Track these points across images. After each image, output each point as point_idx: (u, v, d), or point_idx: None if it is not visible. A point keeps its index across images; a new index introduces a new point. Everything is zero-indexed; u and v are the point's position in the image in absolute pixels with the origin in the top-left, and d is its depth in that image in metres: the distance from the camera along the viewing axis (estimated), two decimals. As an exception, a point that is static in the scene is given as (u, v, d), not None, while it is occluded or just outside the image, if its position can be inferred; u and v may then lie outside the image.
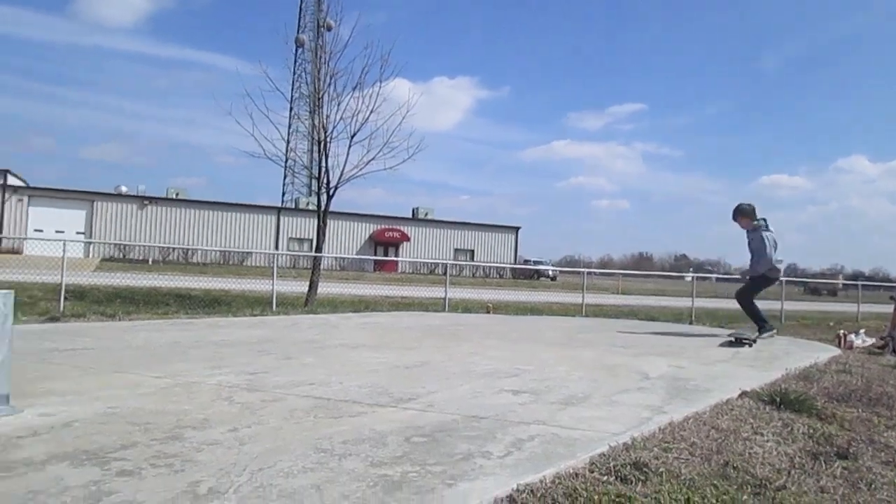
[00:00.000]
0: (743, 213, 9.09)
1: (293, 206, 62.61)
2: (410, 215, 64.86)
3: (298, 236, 57.19)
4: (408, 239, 61.41)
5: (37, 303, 12.98)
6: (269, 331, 7.76)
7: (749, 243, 9.16)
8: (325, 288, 18.60)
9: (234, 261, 50.56)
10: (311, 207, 61.18)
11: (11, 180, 48.75)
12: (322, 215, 17.55)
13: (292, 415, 3.43)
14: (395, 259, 53.95)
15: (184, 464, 2.57)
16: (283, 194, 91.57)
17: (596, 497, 2.50)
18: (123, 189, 56.10)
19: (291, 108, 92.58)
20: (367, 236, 59.72)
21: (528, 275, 60.91)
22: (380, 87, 17.04)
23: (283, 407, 3.60)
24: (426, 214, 64.33)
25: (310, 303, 16.43)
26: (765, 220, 9.18)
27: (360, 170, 17.03)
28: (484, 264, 54.70)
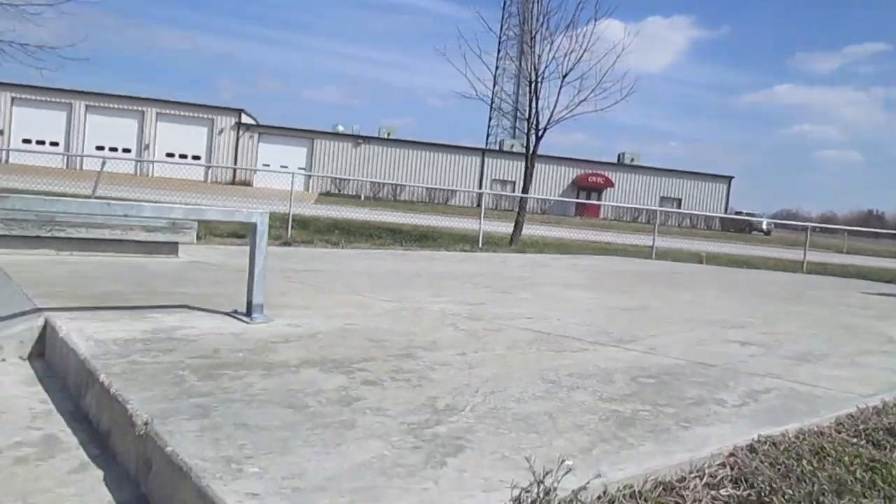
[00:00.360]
0: None
1: (497, 149, 63.16)
2: (615, 160, 63.06)
3: (501, 178, 57.78)
4: (612, 185, 59.94)
5: (269, 229, 14.24)
6: (481, 265, 7.96)
7: None
8: (528, 230, 18.72)
9: (438, 199, 52.23)
10: (514, 150, 61.40)
11: (245, 119, 53.46)
12: (530, 157, 17.58)
13: (515, 344, 3.49)
14: (598, 203, 52.93)
15: (420, 380, 2.69)
16: (488, 136, 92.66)
17: (847, 459, 2.31)
18: (340, 128, 59.63)
19: (499, 51, 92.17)
20: (570, 181, 59.03)
21: (739, 227, 57.33)
22: (594, 25, 16.53)
23: (505, 337, 3.67)
24: (632, 160, 62.28)
25: (514, 242, 16.66)
26: None
27: (571, 111, 16.79)
28: (692, 213, 52.14)
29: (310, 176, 48.87)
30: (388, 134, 59.13)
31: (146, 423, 2.03)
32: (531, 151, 17.10)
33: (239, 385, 2.44)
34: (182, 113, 50.82)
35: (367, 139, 55.69)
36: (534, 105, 16.93)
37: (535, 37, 16.75)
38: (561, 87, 16.80)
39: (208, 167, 47.40)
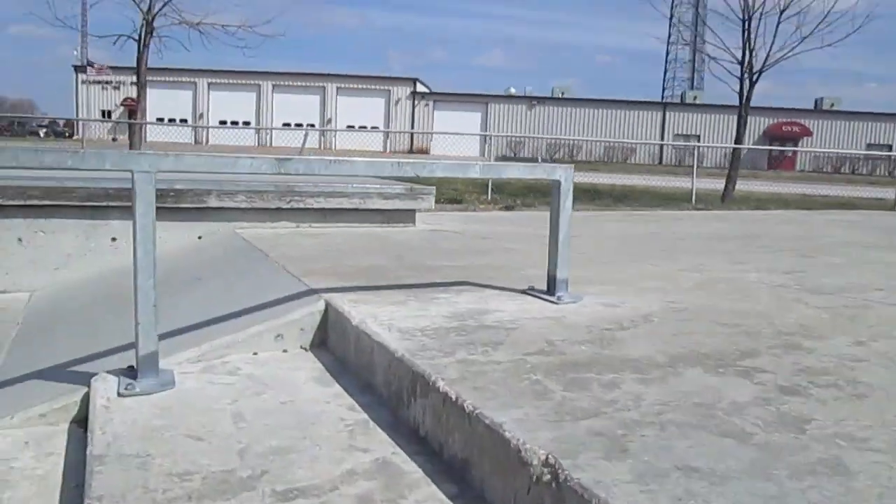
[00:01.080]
0: None
1: (679, 101, 59.70)
2: (812, 107, 57.52)
3: (685, 132, 54.55)
4: (809, 133, 54.77)
5: (470, 194, 13.88)
6: (732, 225, 6.92)
7: None
8: (717, 185, 17.06)
9: (617, 157, 50.17)
10: (697, 101, 57.64)
11: (419, 88, 54.04)
12: (744, 104, 15.91)
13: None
14: (797, 150, 48.51)
15: (850, 384, 1.89)
16: (664, 90, 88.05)
17: None
18: (513, 91, 58.77)
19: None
20: (762, 132, 54.57)
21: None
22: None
23: (879, 316, 2.77)
24: (832, 105, 56.48)
25: (727, 198, 15.20)
26: None
27: (793, 49, 14.92)
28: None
29: (486, 138, 48.66)
30: (563, 93, 57.53)
31: (549, 464, 1.38)
32: (745, 98, 15.36)
33: (621, 396, 1.77)
34: (360, 86, 52.27)
35: (541, 100, 54.53)
36: (747, 46, 15.16)
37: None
38: (779, 24, 14.94)
39: (386, 134, 48.42)
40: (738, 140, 16.08)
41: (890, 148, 55.26)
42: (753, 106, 49.89)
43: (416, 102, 52.57)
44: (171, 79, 46.71)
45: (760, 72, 15.16)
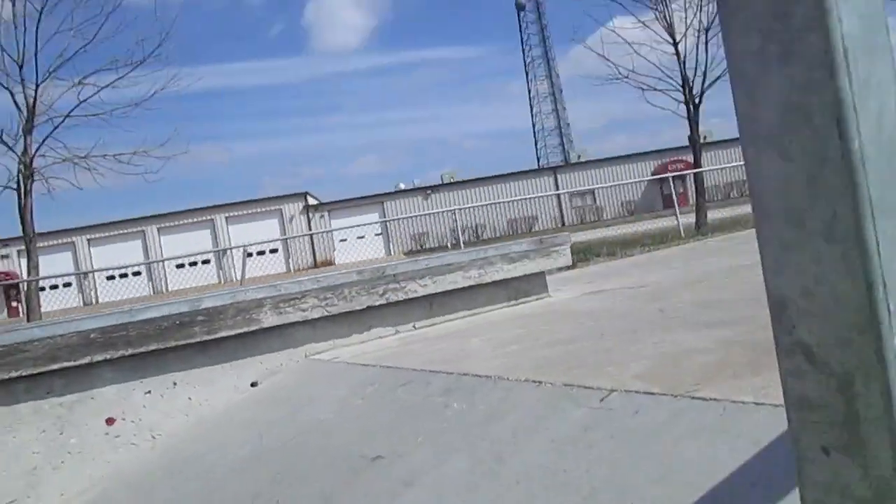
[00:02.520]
0: None
1: (564, 162, 60.80)
2: (688, 143, 59.82)
3: (580, 189, 55.15)
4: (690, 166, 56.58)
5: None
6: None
7: None
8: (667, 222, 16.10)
9: (522, 228, 49.93)
10: (582, 160, 58.90)
11: (310, 201, 52.44)
12: (694, 128, 15.10)
13: None
14: (686, 186, 49.63)
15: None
16: (539, 159, 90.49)
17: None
18: (402, 185, 58.19)
19: (527, 74, 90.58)
20: (651, 173, 55.99)
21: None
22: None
23: None
24: (705, 138, 58.98)
25: (700, 228, 14.08)
26: None
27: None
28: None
29: (387, 237, 47.20)
30: (452, 178, 57.39)
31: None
32: (693, 122, 14.51)
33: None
34: (249, 211, 50.12)
35: (435, 188, 53.98)
36: (683, 69, 14.42)
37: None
38: (707, 42, 14.33)
39: (287, 252, 46.18)
40: (697, 163, 15.18)
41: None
42: (637, 153, 50.70)
43: (310, 216, 50.78)
44: (47, 243, 43.01)
45: (702, 93, 14.42)
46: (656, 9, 14.42)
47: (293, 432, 2.09)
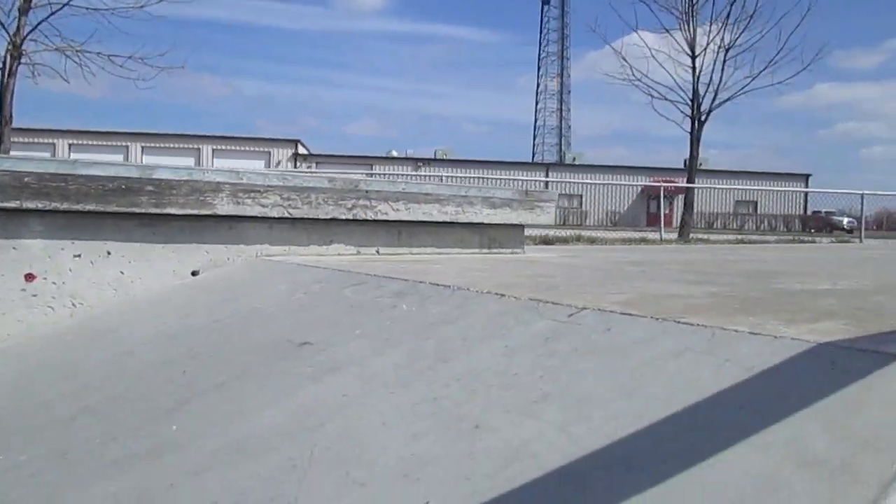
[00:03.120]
0: None
1: (559, 162, 60.69)
2: (683, 166, 59.96)
3: (568, 192, 55.08)
4: (683, 191, 56.70)
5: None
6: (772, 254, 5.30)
7: None
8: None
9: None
10: (576, 162, 58.85)
11: (301, 150, 51.84)
12: (694, 144, 14.96)
13: None
14: (672, 208, 49.72)
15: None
16: (534, 155, 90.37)
17: None
18: (394, 153, 57.77)
19: (539, 68, 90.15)
20: (640, 190, 56.03)
21: (819, 227, 53.62)
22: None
23: None
24: (700, 165, 59.07)
25: (684, 238, 14.00)
26: None
27: (744, 87, 14.16)
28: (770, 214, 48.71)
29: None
30: (445, 155, 57.05)
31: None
32: (695, 138, 14.38)
33: None
34: (238, 147, 49.42)
35: (427, 161, 53.61)
36: (696, 84, 14.25)
37: (695, 3, 14.10)
38: (725, 61, 14.17)
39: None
40: (690, 179, 15.08)
41: (756, 206, 58.23)
42: (630, 166, 50.92)
43: (297, 164, 50.19)
44: (28, 140, 41.97)
45: (710, 111, 14.28)
46: (682, 18, 14.21)
47: (222, 316, 1.88)
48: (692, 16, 13.82)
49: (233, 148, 49.35)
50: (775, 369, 0.93)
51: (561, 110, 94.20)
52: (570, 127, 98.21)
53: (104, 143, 46.90)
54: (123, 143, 47.65)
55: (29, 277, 2.30)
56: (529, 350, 1.19)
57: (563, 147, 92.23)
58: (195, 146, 48.80)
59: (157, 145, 48.45)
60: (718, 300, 1.52)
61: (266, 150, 50.41)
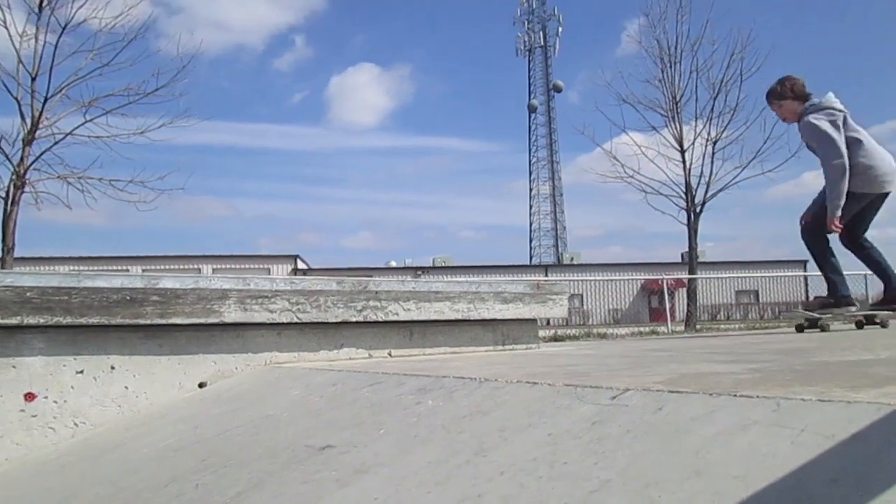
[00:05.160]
0: (777, 95, 4.66)
1: (557, 262, 61.10)
2: (680, 259, 60.34)
3: (573, 291, 55.16)
4: (683, 285, 56.84)
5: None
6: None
7: (807, 146, 4.61)
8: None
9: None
10: (574, 262, 59.24)
11: (300, 265, 52.27)
12: (692, 236, 15.06)
13: None
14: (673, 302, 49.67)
15: None
16: (531, 258, 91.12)
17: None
18: (393, 263, 58.21)
19: (531, 173, 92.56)
20: (640, 286, 56.11)
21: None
22: (740, 85, 14.31)
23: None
24: (697, 258, 59.43)
25: (690, 328, 13.84)
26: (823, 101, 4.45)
27: (735, 178, 14.39)
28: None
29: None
30: (444, 262, 57.45)
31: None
32: (692, 229, 14.49)
33: None
34: (238, 266, 49.86)
35: (426, 269, 53.94)
36: (687, 176, 14.51)
37: (678, 101, 14.56)
38: (714, 154, 14.48)
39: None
40: (692, 270, 15.08)
41: (757, 295, 58.16)
42: (628, 263, 51.17)
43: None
44: (30, 269, 42.39)
45: (704, 203, 14.45)
46: (667, 116, 14.61)
47: (233, 426, 1.77)
48: (677, 112, 14.22)
49: (233, 266, 49.78)
50: (860, 435, 0.84)
51: (555, 212, 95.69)
52: (564, 228, 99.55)
53: (105, 267, 47.28)
54: (125, 267, 48.05)
55: (29, 397, 2.20)
56: (576, 436, 1.09)
57: (559, 248, 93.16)
58: (196, 266, 49.17)
59: (159, 267, 48.85)
60: (765, 374, 1.43)
61: (266, 266, 50.81)
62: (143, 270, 48.42)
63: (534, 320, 3.31)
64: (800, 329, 4.87)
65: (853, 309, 4.71)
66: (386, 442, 1.32)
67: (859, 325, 4.87)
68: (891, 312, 4.64)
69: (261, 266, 50.18)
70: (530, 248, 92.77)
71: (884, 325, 4.76)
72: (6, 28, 11.68)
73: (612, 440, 1.04)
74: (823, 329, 4.54)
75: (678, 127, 14.28)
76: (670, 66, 14.13)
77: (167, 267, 48.93)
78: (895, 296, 4.54)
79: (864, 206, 4.36)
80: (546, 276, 55.00)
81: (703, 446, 0.94)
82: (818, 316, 4.62)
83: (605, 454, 1.00)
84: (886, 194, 4.40)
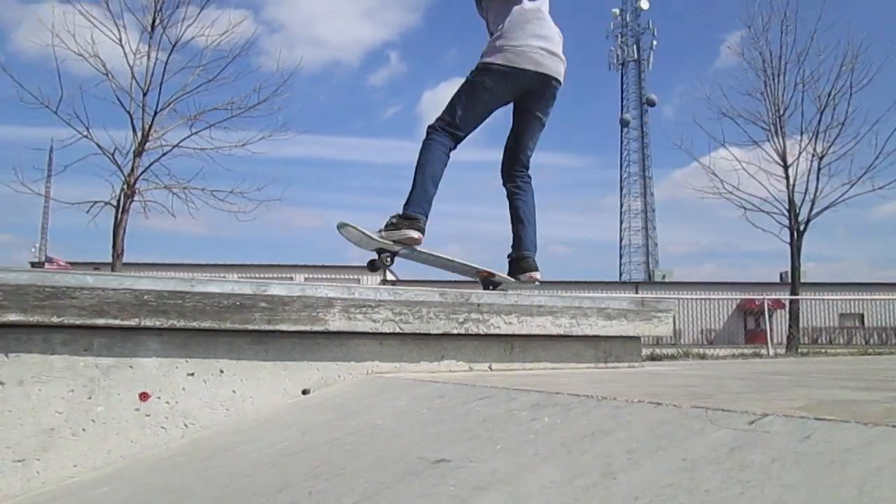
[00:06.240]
0: None
1: (648, 280, 59.74)
2: (779, 280, 57.83)
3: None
4: (782, 306, 54.49)
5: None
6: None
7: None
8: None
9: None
10: (666, 280, 57.75)
11: (388, 276, 52.97)
12: (795, 255, 14.41)
13: None
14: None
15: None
16: (620, 275, 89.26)
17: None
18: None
19: (622, 189, 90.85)
20: (735, 306, 54.07)
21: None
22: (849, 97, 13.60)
23: None
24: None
25: (792, 350, 13.21)
26: None
27: (843, 195, 13.69)
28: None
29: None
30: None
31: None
32: (795, 248, 13.84)
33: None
34: (329, 276, 50.97)
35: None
36: (791, 193, 13.88)
37: (782, 115, 13.96)
38: (819, 170, 13.81)
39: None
40: (794, 291, 14.41)
41: (862, 319, 55.10)
42: (722, 282, 49.35)
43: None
44: (135, 273, 44.51)
45: (808, 221, 13.79)
46: (769, 130, 14.06)
47: (341, 434, 1.77)
48: (780, 126, 13.65)
49: (325, 276, 50.97)
50: None
51: (646, 229, 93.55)
52: (656, 245, 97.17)
53: (204, 274, 49.23)
54: (222, 275, 49.93)
55: (143, 397, 2.27)
56: (714, 462, 1.02)
57: (650, 265, 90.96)
58: (288, 276, 50.56)
59: (253, 276, 50.48)
60: (916, 405, 1.31)
61: (356, 277, 51.70)
62: (238, 278, 50.16)
63: (637, 338, 3.21)
64: None
65: None
66: (503, 458, 1.27)
67: None
68: None
69: (351, 276, 51.18)
70: (620, 264, 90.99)
71: None
72: (122, 46, 12.42)
73: (756, 469, 0.96)
74: None
75: (781, 141, 13.72)
76: (774, 79, 13.61)
77: (261, 276, 50.58)
78: None
79: None
80: (637, 293, 53.77)
81: (867, 480, 0.85)
82: None
83: (750, 484, 0.93)
84: None
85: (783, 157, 13.87)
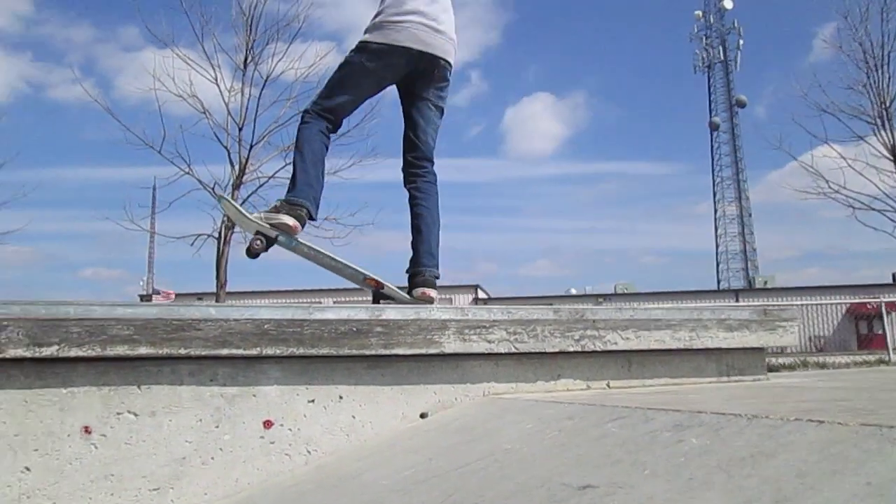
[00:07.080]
0: None
1: (748, 287, 57.44)
2: (892, 281, 54.53)
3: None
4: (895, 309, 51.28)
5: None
6: None
7: None
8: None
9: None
10: (767, 286, 55.42)
11: (480, 294, 53.01)
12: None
13: None
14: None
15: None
16: (719, 282, 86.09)
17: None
18: (573, 291, 57.45)
19: (715, 194, 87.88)
20: (845, 310, 51.26)
21: None
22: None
23: None
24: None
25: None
26: None
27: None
28: None
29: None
30: (626, 288, 55.88)
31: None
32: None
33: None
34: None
35: (608, 297, 52.73)
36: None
37: (888, 107, 13.19)
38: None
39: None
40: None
41: None
42: (829, 285, 46.92)
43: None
44: (236, 301, 46.20)
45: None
46: (875, 123, 13.30)
47: (470, 459, 1.73)
48: (888, 119, 12.89)
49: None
50: None
51: (743, 234, 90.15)
52: (755, 250, 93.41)
53: (299, 300, 50.59)
54: (317, 300, 51.14)
55: (267, 424, 2.30)
56: (908, 488, 0.92)
57: (749, 271, 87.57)
58: (381, 298, 51.19)
59: (346, 299, 51.51)
60: None
61: (448, 296, 51.96)
62: (334, 302, 51.30)
63: (761, 350, 3.05)
64: None
65: None
66: (655, 484, 1.20)
67: None
68: None
69: (443, 296, 51.39)
70: (717, 272, 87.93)
71: None
72: (217, 85, 12.99)
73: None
74: None
75: (890, 135, 12.93)
76: (876, 70, 12.88)
77: (353, 299, 51.49)
78: None
79: None
80: (737, 301, 51.82)
81: None
82: None
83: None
84: None
85: (893, 151, 13.08)
